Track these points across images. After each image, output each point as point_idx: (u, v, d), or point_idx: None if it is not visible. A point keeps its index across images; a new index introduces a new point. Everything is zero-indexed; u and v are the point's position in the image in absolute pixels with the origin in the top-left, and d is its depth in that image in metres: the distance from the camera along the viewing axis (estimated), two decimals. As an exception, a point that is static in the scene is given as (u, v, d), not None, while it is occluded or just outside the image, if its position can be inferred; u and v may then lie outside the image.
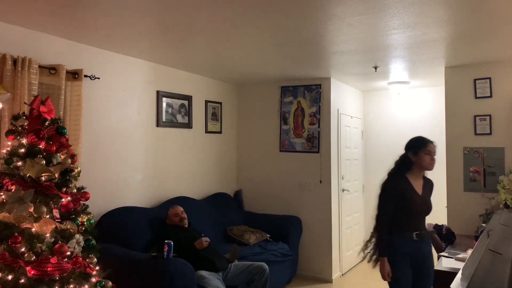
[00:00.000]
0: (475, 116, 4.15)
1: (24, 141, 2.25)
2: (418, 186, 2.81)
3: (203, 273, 3.33)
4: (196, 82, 4.84)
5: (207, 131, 5.01)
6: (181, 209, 3.84)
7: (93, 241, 2.29)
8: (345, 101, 5.47)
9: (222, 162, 5.30)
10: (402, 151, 2.93)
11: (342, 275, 5.19)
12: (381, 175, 2.93)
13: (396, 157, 2.94)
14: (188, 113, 4.68)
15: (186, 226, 3.79)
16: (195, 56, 3.94)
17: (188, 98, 4.68)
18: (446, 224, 3.88)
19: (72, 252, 2.14)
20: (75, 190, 2.31)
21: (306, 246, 4.94)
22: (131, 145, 3.96)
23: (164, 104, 4.33)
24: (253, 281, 3.59)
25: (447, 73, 4.35)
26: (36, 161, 2.16)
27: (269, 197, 5.26)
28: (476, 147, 4.14)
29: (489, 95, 4.10)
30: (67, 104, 3.18)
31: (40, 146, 2.24)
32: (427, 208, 2.82)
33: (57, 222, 2.16)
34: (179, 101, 4.55)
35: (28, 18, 2.80)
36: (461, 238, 3.66)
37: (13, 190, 2.09)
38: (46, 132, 2.27)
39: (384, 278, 2.73)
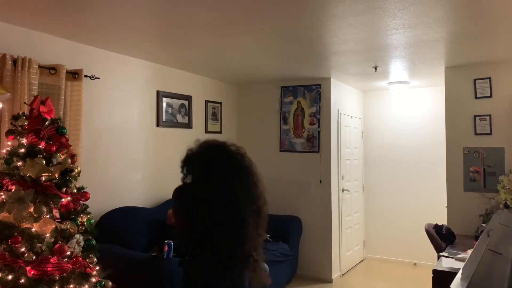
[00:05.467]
0: (475, 116, 4.15)
1: (24, 141, 2.25)
2: None
3: None
4: (196, 82, 4.84)
5: (207, 131, 5.01)
6: None
7: (93, 241, 2.29)
8: (345, 101, 5.47)
9: (222, 162, 5.29)
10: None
11: (342, 275, 5.19)
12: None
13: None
14: (188, 113, 4.68)
15: None
16: (195, 56, 3.94)
17: (188, 98, 4.68)
18: (446, 224, 3.88)
19: (72, 252, 2.14)
20: (75, 190, 2.30)
21: (306, 246, 4.94)
22: (131, 145, 3.96)
23: (164, 104, 4.33)
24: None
25: (447, 73, 4.35)
26: (36, 161, 2.16)
27: (269, 197, 5.19)
28: (476, 147, 4.14)
29: (489, 95, 4.10)
30: (67, 104, 3.18)
31: (40, 146, 2.24)
32: None
33: (57, 222, 2.16)
34: (179, 101, 4.55)
35: (28, 18, 2.80)
36: (461, 238, 3.66)
37: (13, 190, 2.09)
38: (46, 132, 2.27)
39: None
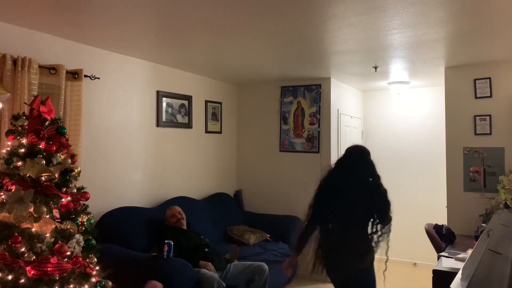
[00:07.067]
0: (475, 116, 4.15)
1: (24, 141, 2.25)
2: None
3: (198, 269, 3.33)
4: (196, 82, 4.84)
5: (207, 131, 5.01)
6: (178, 209, 3.82)
7: (93, 241, 2.29)
8: (345, 101, 5.47)
9: (222, 162, 5.30)
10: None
11: (342, 275, 5.18)
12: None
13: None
14: (188, 113, 4.68)
15: (185, 227, 3.77)
16: (195, 56, 3.94)
17: (188, 98, 4.68)
18: (446, 224, 3.88)
19: (72, 252, 2.14)
20: (75, 190, 2.30)
21: (306, 246, 4.93)
22: (131, 145, 3.96)
23: (164, 104, 4.33)
24: (252, 281, 3.59)
25: (447, 73, 4.35)
26: (36, 161, 2.16)
27: (269, 197, 5.26)
28: (476, 147, 4.14)
29: (489, 95, 4.10)
30: (67, 104, 3.18)
31: (40, 146, 2.24)
32: None
33: (57, 222, 2.16)
34: (179, 101, 4.55)
35: (28, 18, 2.80)
36: (461, 238, 3.66)
37: (13, 190, 2.09)
38: (46, 132, 2.27)
39: None
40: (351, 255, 2.63)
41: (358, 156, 2.80)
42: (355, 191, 2.67)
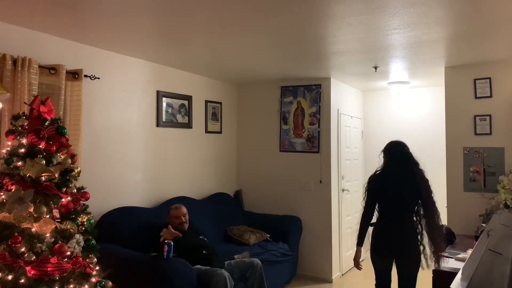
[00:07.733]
0: (475, 116, 4.15)
1: (24, 141, 2.24)
2: None
3: (200, 266, 3.32)
4: (196, 82, 4.84)
5: (207, 131, 5.01)
6: (184, 211, 3.78)
7: (93, 241, 2.29)
8: (345, 101, 5.47)
9: (222, 162, 5.30)
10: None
11: (342, 275, 5.19)
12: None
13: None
14: (188, 113, 4.68)
15: (186, 229, 3.76)
16: (195, 56, 3.94)
17: (188, 98, 4.68)
18: (446, 224, 3.88)
19: (72, 252, 2.14)
20: (75, 190, 2.30)
21: (306, 246, 4.94)
22: (131, 145, 3.96)
23: (164, 104, 4.33)
24: (246, 279, 3.57)
25: (447, 73, 4.35)
26: (36, 161, 2.16)
27: (269, 197, 5.26)
28: (476, 147, 4.14)
29: (489, 95, 4.10)
30: (67, 104, 3.18)
31: (40, 146, 2.24)
32: None
33: (57, 222, 2.16)
34: (179, 101, 4.55)
35: (28, 18, 2.80)
36: (461, 238, 3.66)
37: (13, 190, 2.09)
38: (46, 132, 2.27)
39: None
40: (409, 232, 3.10)
41: (407, 150, 3.28)
42: (409, 180, 3.10)
